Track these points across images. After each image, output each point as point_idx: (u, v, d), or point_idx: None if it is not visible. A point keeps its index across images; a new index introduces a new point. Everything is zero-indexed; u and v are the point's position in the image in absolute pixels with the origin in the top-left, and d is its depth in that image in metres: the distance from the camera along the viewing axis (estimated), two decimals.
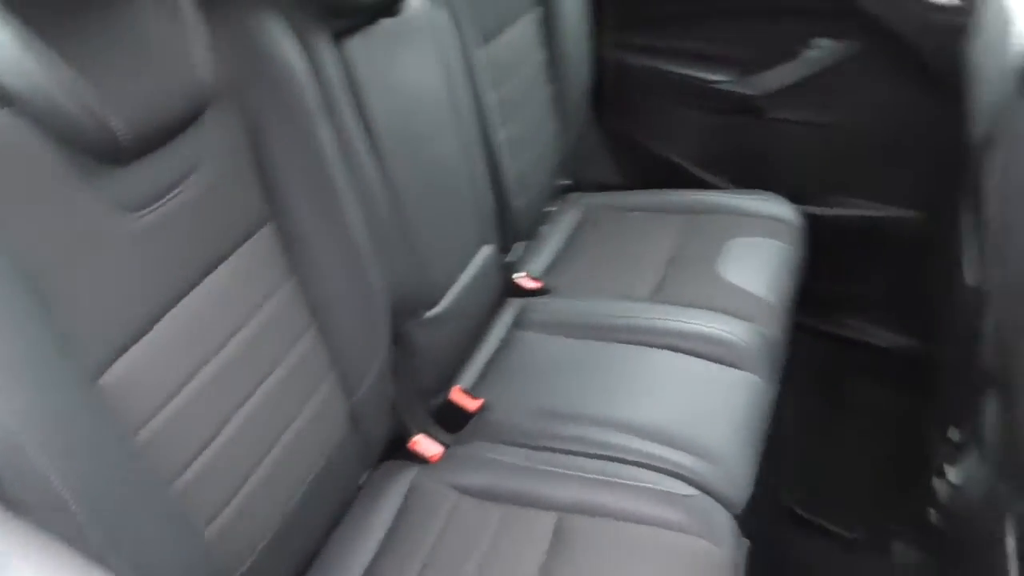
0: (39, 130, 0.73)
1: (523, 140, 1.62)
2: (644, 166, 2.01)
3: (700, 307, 1.50)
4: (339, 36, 1.12)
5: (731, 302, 1.51)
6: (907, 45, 1.68)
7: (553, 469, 1.20)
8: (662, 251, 1.68)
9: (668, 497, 1.15)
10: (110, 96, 0.75)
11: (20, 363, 0.68)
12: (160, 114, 0.82)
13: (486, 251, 1.46)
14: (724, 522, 1.13)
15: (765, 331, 1.46)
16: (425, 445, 1.26)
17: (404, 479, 1.21)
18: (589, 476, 1.19)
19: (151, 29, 0.82)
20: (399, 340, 1.23)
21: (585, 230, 1.81)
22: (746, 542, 1.14)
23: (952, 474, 1.19)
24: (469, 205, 1.41)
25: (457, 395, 1.34)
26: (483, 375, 1.43)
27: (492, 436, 1.28)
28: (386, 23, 1.21)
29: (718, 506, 1.15)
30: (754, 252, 1.64)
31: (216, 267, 0.92)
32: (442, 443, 1.28)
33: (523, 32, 1.64)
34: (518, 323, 1.53)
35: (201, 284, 0.90)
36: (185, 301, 0.88)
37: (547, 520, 1.13)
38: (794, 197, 1.80)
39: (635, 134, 2.02)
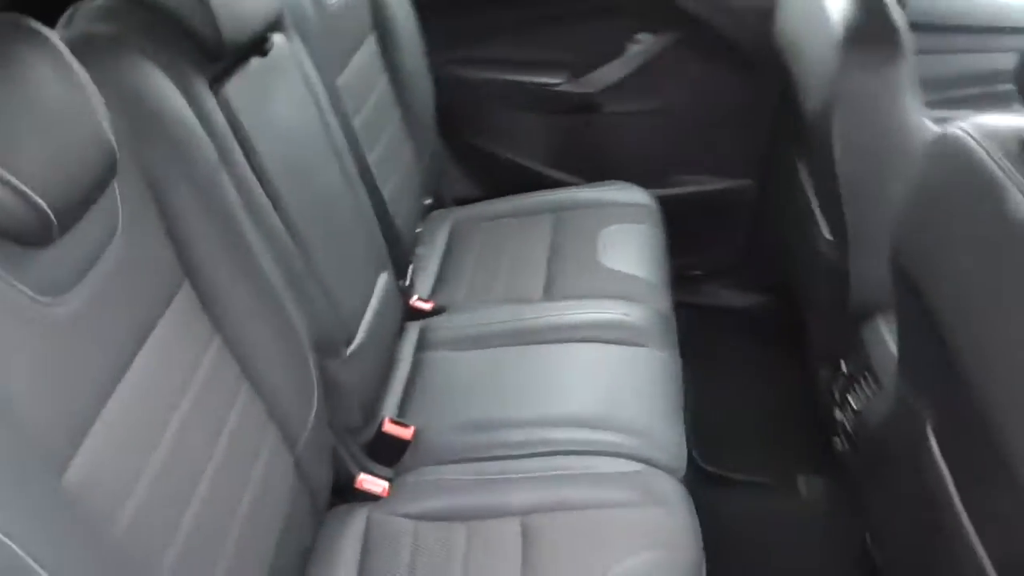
0: None
1: (387, 164, 1.62)
2: (498, 175, 2.07)
3: (591, 297, 1.57)
4: (214, 82, 1.09)
5: (617, 287, 1.59)
6: (719, 32, 1.85)
7: (503, 476, 1.22)
8: (539, 251, 1.74)
9: (617, 477, 1.21)
10: (32, 172, 0.70)
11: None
12: (81, 185, 0.76)
13: (384, 279, 1.45)
14: (673, 488, 1.20)
15: (654, 307, 1.56)
16: (371, 483, 1.24)
17: (358, 520, 1.19)
18: (539, 475, 1.22)
19: (53, 95, 0.76)
20: (324, 381, 1.20)
21: (459, 245, 1.84)
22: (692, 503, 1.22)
23: (853, 401, 1.33)
24: (362, 235, 1.40)
25: (389, 426, 1.32)
26: (404, 402, 1.42)
27: (434, 459, 1.28)
28: (254, 63, 1.18)
29: (663, 474, 1.22)
30: (624, 238, 1.74)
31: (146, 340, 0.87)
32: (385, 477, 1.26)
33: (367, 59, 1.65)
34: (422, 345, 1.53)
35: (134, 362, 0.84)
36: (122, 384, 0.82)
37: (512, 526, 1.15)
38: (642, 182, 1.92)
39: (484, 145, 2.07)
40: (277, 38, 1.24)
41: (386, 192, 1.58)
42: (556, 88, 1.97)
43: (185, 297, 0.94)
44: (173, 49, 1.00)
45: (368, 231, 1.43)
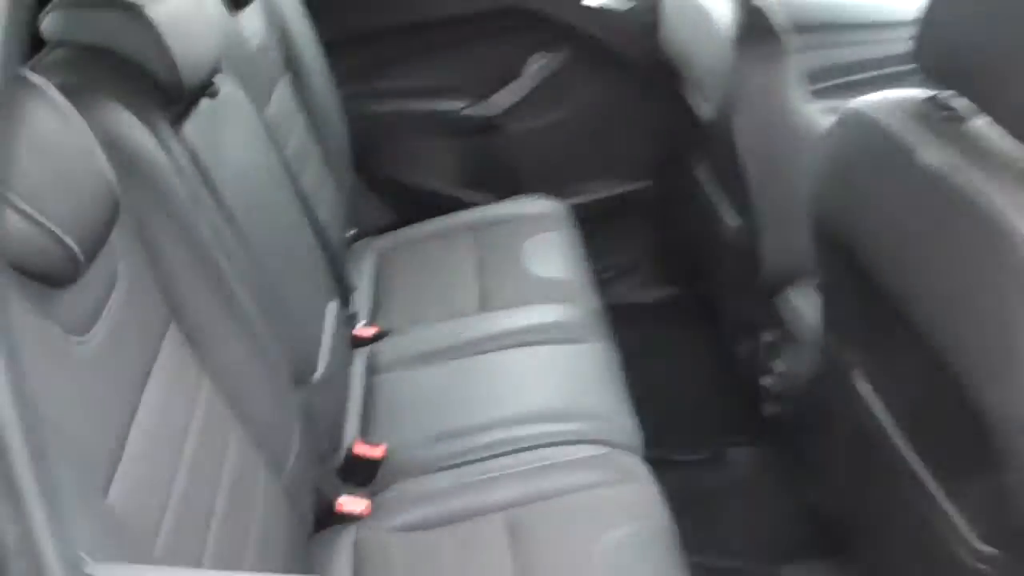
0: None
1: (315, 198, 1.66)
2: (415, 201, 2.13)
3: (525, 303, 1.65)
4: (174, 123, 1.11)
5: (548, 291, 1.68)
6: (607, 47, 1.99)
7: (480, 478, 1.28)
8: (468, 268, 1.81)
9: (586, 461, 1.29)
10: (57, 213, 0.73)
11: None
12: (97, 223, 0.80)
13: (333, 307, 1.49)
14: (637, 465, 1.30)
15: (585, 306, 1.66)
16: (351, 504, 1.27)
17: (346, 541, 1.22)
18: (513, 471, 1.29)
19: (63, 141, 0.79)
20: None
21: (388, 271, 1.88)
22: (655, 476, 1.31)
23: (779, 366, 1.46)
24: (312, 264, 1.44)
25: (360, 447, 1.36)
26: (366, 425, 1.45)
27: (409, 473, 1.32)
28: (204, 104, 1.21)
29: (626, 453, 1.31)
30: (545, 246, 1.83)
31: (148, 379, 0.89)
32: (364, 497, 1.29)
33: (285, 98, 1.68)
34: (373, 370, 1.57)
35: (141, 403, 0.86)
36: (134, 424, 0.84)
37: (496, 524, 1.21)
38: (551, 193, 2.02)
39: (398, 174, 2.13)
40: (219, 79, 1.27)
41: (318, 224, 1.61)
42: (460, 112, 2.06)
43: (173, 336, 0.96)
44: (139, 93, 1.03)
45: (315, 262, 1.46)
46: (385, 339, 1.65)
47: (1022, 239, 0.74)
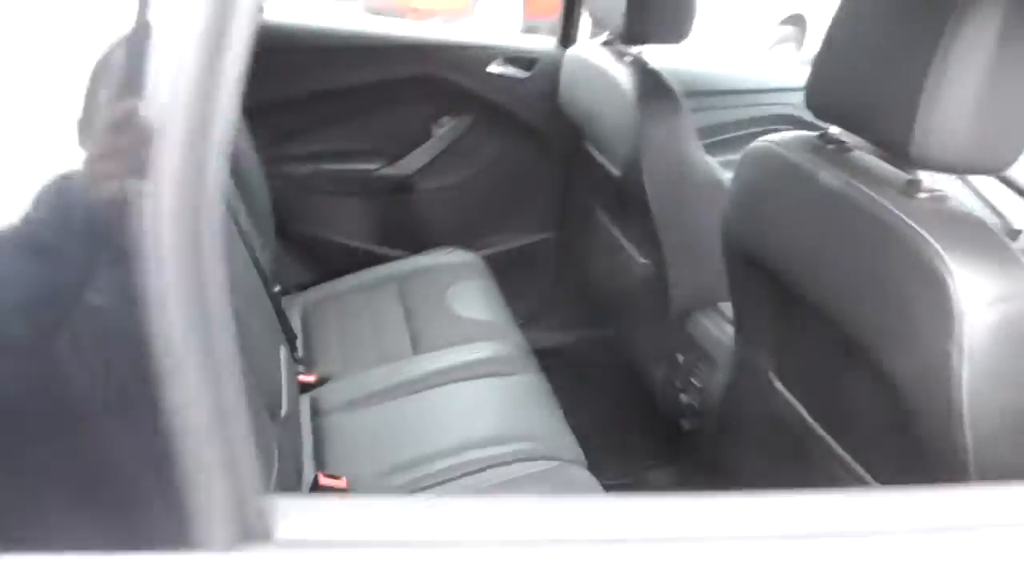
0: None
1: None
2: (335, 258, 2.21)
3: (457, 343, 1.77)
4: None
5: (476, 331, 1.80)
6: (508, 110, 2.18)
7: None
8: (396, 316, 1.90)
9: (540, 475, 1.40)
10: None
11: None
12: None
13: (284, 352, 1.54)
14: (585, 476, 1.42)
15: (512, 341, 1.79)
16: None
17: None
18: (473, 490, 1.38)
19: None
20: None
21: (316, 325, 1.95)
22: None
23: (696, 382, 1.64)
24: (266, 307, 1.50)
25: (324, 480, 1.41)
26: (320, 464, 1.50)
27: None
28: None
29: (575, 466, 1.44)
30: (467, 291, 1.96)
31: None
32: None
33: None
34: (317, 413, 1.63)
35: None
36: None
37: None
38: (463, 246, 2.17)
39: (318, 232, 2.21)
40: None
41: None
42: (375, 173, 2.18)
43: None
44: None
45: (266, 306, 1.53)
46: (325, 385, 1.72)
47: (910, 237, 0.94)
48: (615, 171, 1.76)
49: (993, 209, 1.73)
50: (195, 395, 0.49)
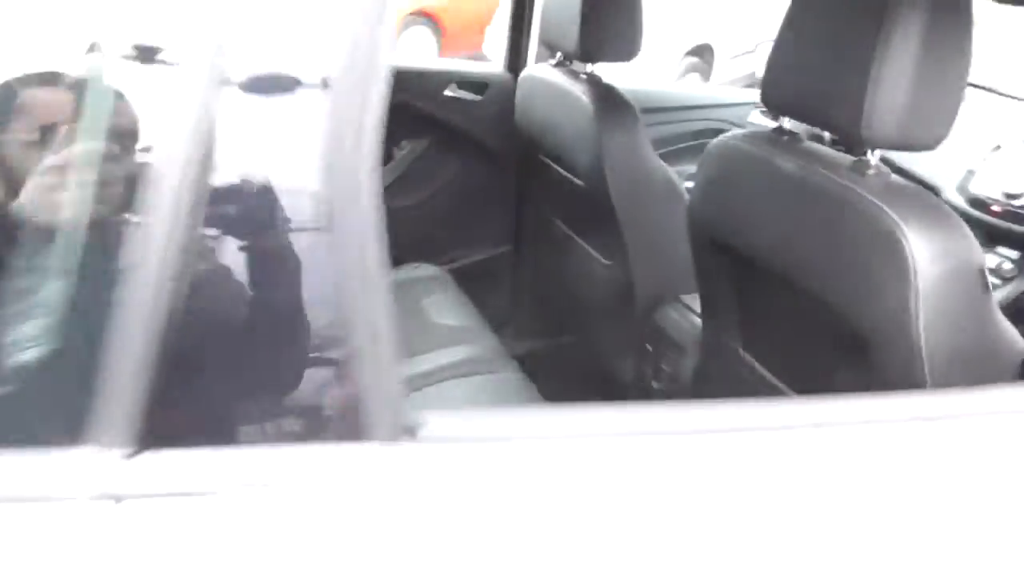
0: None
1: None
2: None
3: (440, 347, 1.87)
4: None
5: (456, 336, 1.91)
6: (465, 131, 2.31)
7: None
8: None
9: None
10: None
11: None
12: None
13: None
14: None
15: (491, 343, 1.90)
16: None
17: None
18: None
19: None
20: None
21: None
22: None
23: (666, 368, 1.78)
24: None
25: None
26: None
27: None
28: None
29: None
30: (444, 301, 2.07)
31: None
32: None
33: None
34: None
35: None
36: None
37: None
38: (427, 262, 2.27)
39: None
40: None
41: None
42: None
43: None
44: None
45: None
46: None
47: (867, 208, 1.10)
48: (578, 181, 1.90)
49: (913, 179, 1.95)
50: (366, 326, 0.59)
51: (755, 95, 2.61)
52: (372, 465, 0.61)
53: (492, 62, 2.45)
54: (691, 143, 2.25)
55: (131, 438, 0.55)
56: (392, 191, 2.31)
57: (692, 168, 1.95)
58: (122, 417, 0.55)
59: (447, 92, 2.27)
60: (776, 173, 1.25)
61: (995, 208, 2.02)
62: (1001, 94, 2.37)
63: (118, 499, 0.54)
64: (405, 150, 2.31)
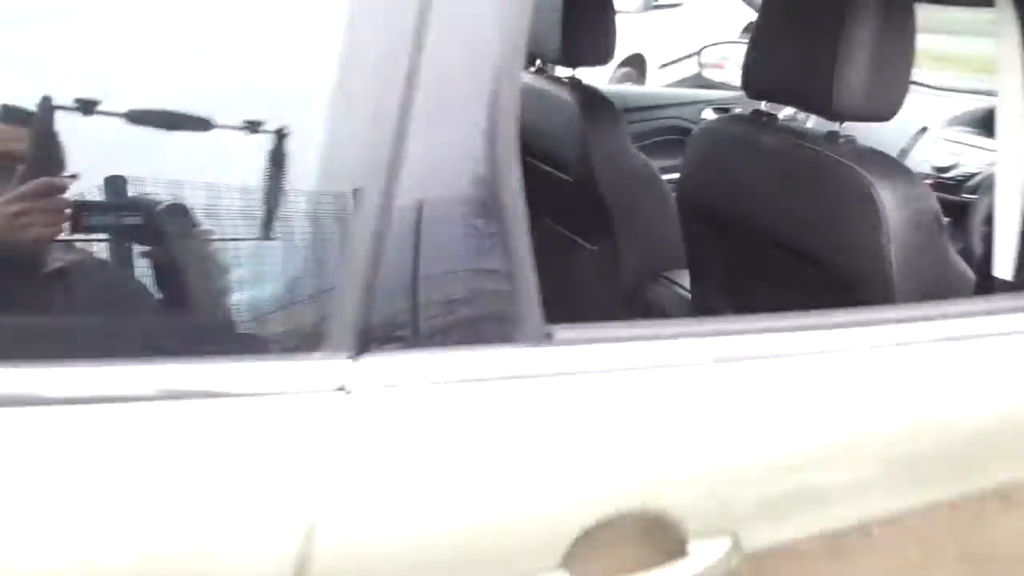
0: None
1: None
2: None
3: None
4: None
5: None
6: None
7: None
8: None
9: None
10: None
11: None
12: None
13: None
14: None
15: None
16: None
17: None
18: None
19: None
20: None
21: None
22: None
23: None
24: None
25: None
26: None
27: None
28: None
29: None
30: None
31: None
32: None
33: None
34: None
35: None
36: None
37: None
38: None
39: None
40: None
41: None
42: None
43: None
44: None
45: None
46: None
47: (843, 170, 1.32)
48: (566, 176, 2.09)
49: None
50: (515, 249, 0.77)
51: (707, 95, 2.88)
52: (527, 363, 0.78)
53: None
54: (657, 139, 2.48)
55: (353, 345, 0.72)
56: None
57: (664, 162, 2.19)
58: (346, 329, 0.71)
59: None
60: (760, 147, 1.47)
61: (928, 181, 2.29)
62: (921, 84, 2.68)
63: (347, 391, 0.71)
64: None
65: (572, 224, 2.23)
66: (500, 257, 0.77)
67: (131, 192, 0.70)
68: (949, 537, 1.05)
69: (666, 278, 2.04)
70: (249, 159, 0.73)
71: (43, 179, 0.69)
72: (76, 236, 0.71)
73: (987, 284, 1.23)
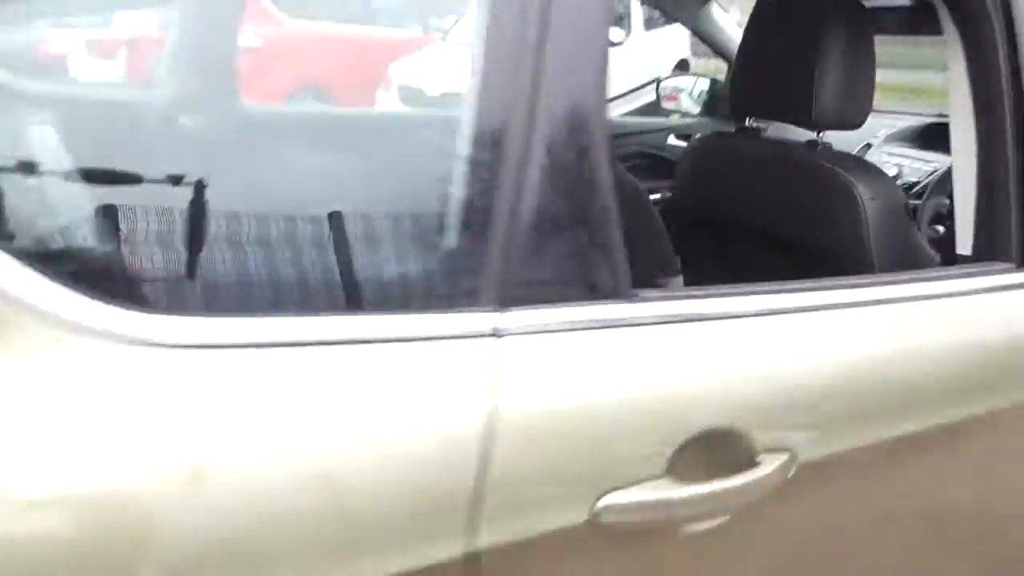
0: None
1: None
2: None
3: None
4: None
5: None
6: None
7: None
8: None
9: None
10: None
11: None
12: None
13: None
14: None
15: None
16: None
17: None
18: None
19: None
20: None
21: None
22: None
23: None
24: None
25: None
26: None
27: None
28: None
29: None
30: None
31: None
32: None
33: None
34: None
35: None
36: None
37: None
38: None
39: None
40: None
41: None
42: None
43: None
44: None
45: None
46: None
47: (827, 172, 1.56)
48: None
49: None
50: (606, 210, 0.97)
51: (670, 123, 3.15)
52: (620, 315, 0.98)
53: None
54: (627, 165, 2.71)
55: (501, 300, 0.90)
56: None
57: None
58: (494, 287, 0.90)
59: None
60: (749, 156, 1.71)
61: None
62: None
63: (498, 335, 0.90)
64: None
65: None
66: (606, 232, 0.97)
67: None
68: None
69: (658, 285, 2.26)
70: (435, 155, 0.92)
71: None
72: None
73: (951, 260, 1.48)
